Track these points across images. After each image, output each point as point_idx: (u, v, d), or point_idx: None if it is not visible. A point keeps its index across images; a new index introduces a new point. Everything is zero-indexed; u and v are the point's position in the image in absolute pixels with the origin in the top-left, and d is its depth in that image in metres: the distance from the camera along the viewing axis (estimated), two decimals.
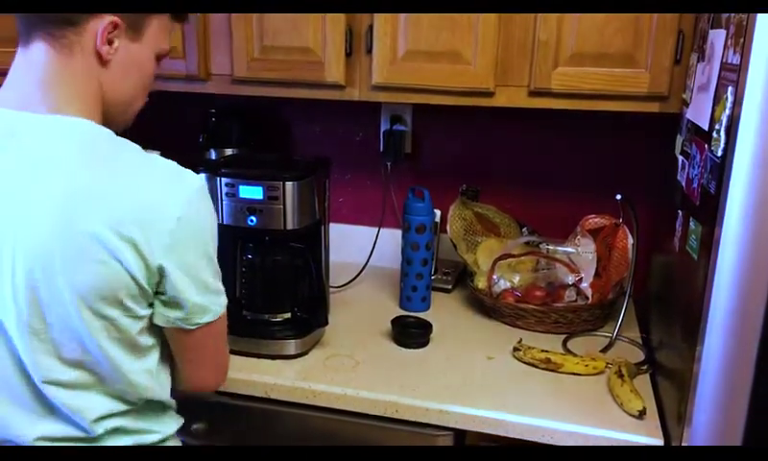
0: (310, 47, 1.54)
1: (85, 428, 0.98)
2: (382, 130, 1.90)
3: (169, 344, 1.04)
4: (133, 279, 0.90)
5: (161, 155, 0.97)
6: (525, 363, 1.43)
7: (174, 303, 0.96)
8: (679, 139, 1.39)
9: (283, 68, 1.57)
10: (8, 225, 0.89)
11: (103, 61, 0.95)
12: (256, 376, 1.35)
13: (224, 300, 1.04)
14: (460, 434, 1.30)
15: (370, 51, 1.52)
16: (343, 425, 1.34)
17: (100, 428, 0.99)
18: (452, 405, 1.27)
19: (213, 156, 1.85)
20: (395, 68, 1.52)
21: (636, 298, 1.76)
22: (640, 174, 1.76)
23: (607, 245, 1.64)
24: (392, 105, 1.87)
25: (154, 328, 1.00)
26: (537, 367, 1.41)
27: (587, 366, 1.39)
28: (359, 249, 1.93)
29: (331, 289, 1.74)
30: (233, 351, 1.40)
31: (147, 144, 1.80)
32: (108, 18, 0.92)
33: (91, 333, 0.92)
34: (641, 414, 1.22)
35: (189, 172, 0.96)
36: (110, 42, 0.94)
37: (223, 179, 1.36)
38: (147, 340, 0.99)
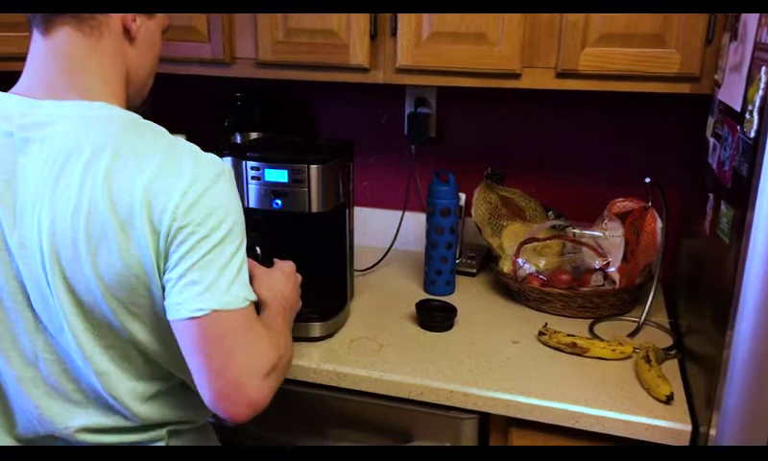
0: (334, 30, 1.53)
1: (126, 415, 1.00)
2: (406, 113, 1.89)
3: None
4: (149, 260, 0.89)
5: (187, 138, 0.97)
6: (551, 347, 1.42)
7: (182, 282, 0.90)
8: (710, 121, 1.36)
9: (307, 51, 1.57)
10: (42, 220, 0.88)
11: (131, 38, 0.97)
12: None
13: (235, 295, 0.92)
14: (484, 417, 1.30)
15: (394, 33, 1.51)
16: (367, 408, 1.34)
17: (140, 411, 1.00)
18: (477, 388, 1.27)
19: (238, 139, 1.86)
20: (419, 51, 1.50)
21: (664, 282, 1.74)
22: (670, 157, 1.73)
23: (635, 229, 1.62)
24: (416, 87, 1.86)
25: None
26: (563, 351, 1.40)
27: (613, 351, 1.37)
28: (383, 232, 1.93)
29: (356, 272, 1.74)
30: None
31: (173, 127, 1.82)
32: None
33: (117, 316, 0.93)
34: (669, 399, 1.21)
35: (211, 154, 0.94)
36: (134, 19, 0.96)
37: (248, 162, 1.36)
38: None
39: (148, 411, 1.01)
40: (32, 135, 0.89)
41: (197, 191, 0.88)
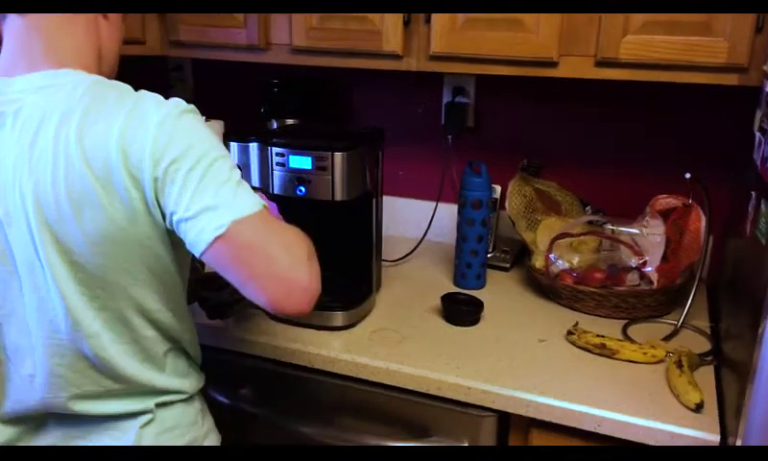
0: (368, 16, 1.51)
1: (115, 377, 1.01)
2: (444, 102, 1.85)
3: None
4: (135, 211, 0.91)
5: (225, 124, 0.95)
6: (579, 347, 1.36)
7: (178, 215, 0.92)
8: (758, 114, 1.28)
9: (340, 37, 1.55)
10: (24, 187, 0.90)
11: (105, 15, 1.01)
12: (300, 345, 1.35)
13: (246, 202, 0.92)
14: (504, 416, 1.26)
15: (428, 20, 1.48)
16: (385, 400, 1.32)
17: (129, 374, 1.01)
18: (495, 386, 1.23)
19: (274, 125, 1.86)
20: (453, 37, 1.46)
21: (709, 285, 1.65)
22: (716, 151, 1.64)
23: (678, 227, 1.54)
24: (454, 76, 1.82)
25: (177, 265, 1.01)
26: (591, 352, 1.34)
27: (645, 354, 1.31)
28: (418, 223, 1.90)
29: (386, 263, 1.72)
30: (282, 320, 1.43)
31: (213, 113, 1.84)
32: None
33: (109, 273, 0.94)
34: (698, 407, 1.14)
35: (176, 98, 0.95)
36: None
37: (273, 148, 1.36)
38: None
39: (138, 374, 1.01)
40: (5, 110, 0.92)
41: (167, 129, 0.89)
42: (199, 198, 0.89)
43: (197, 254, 0.92)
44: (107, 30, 1.02)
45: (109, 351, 0.98)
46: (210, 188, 0.90)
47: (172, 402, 1.07)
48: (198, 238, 0.90)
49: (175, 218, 0.91)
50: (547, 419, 1.20)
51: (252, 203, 0.92)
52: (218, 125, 1.86)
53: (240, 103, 1.92)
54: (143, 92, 0.94)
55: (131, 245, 0.93)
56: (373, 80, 1.90)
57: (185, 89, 2.13)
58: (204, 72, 2.11)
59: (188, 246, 0.92)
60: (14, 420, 1.04)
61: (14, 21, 0.95)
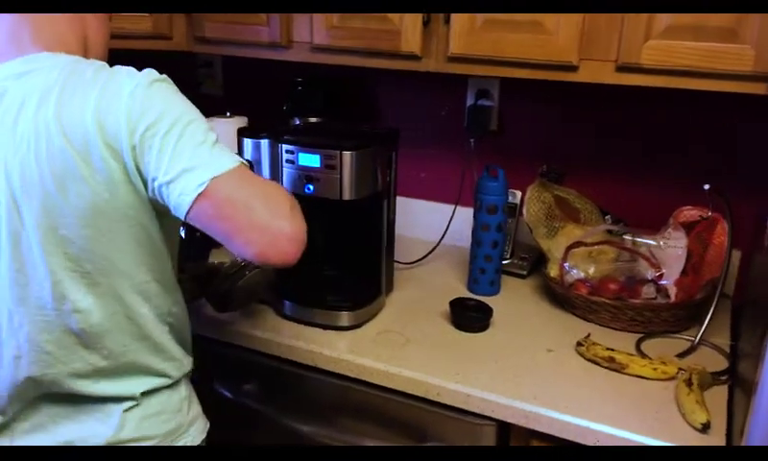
0: (388, 15, 1.50)
1: (102, 354, 1.02)
2: (467, 104, 1.83)
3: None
4: (117, 182, 0.94)
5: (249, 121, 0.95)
6: (588, 360, 1.32)
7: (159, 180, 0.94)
8: None
9: (360, 37, 1.54)
10: (9, 166, 0.93)
11: None
12: (303, 342, 1.35)
13: (223, 159, 0.95)
14: (503, 426, 1.23)
15: (448, 20, 1.46)
16: (385, 403, 1.31)
17: (116, 350, 1.03)
18: (495, 395, 1.20)
19: (297, 123, 1.87)
20: (472, 39, 1.44)
21: (736, 302, 1.59)
22: (744, 163, 1.57)
23: (702, 240, 1.49)
24: (479, 78, 1.79)
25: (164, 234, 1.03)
26: (600, 365, 1.31)
27: (655, 370, 1.27)
28: (438, 226, 1.88)
29: (400, 265, 1.71)
30: (288, 317, 1.43)
31: (238, 109, 1.85)
32: None
33: (96, 246, 0.96)
34: (705, 427, 1.10)
35: (149, 68, 0.98)
36: None
37: (283, 145, 1.36)
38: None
39: (126, 351, 1.03)
40: None
41: (139, 98, 0.92)
42: (177, 160, 0.92)
43: (182, 216, 0.94)
44: (93, 22, 1.06)
45: (97, 327, 1.00)
46: (187, 150, 0.92)
47: (157, 389, 1.08)
48: (180, 200, 0.92)
49: (156, 184, 0.93)
50: (547, 431, 1.17)
51: (229, 160, 0.95)
52: (241, 121, 1.89)
53: (266, 100, 1.94)
54: (117, 67, 0.97)
55: (115, 216, 0.95)
56: (398, 80, 1.89)
57: (215, 85, 2.15)
58: (232, 69, 2.14)
59: (173, 210, 0.95)
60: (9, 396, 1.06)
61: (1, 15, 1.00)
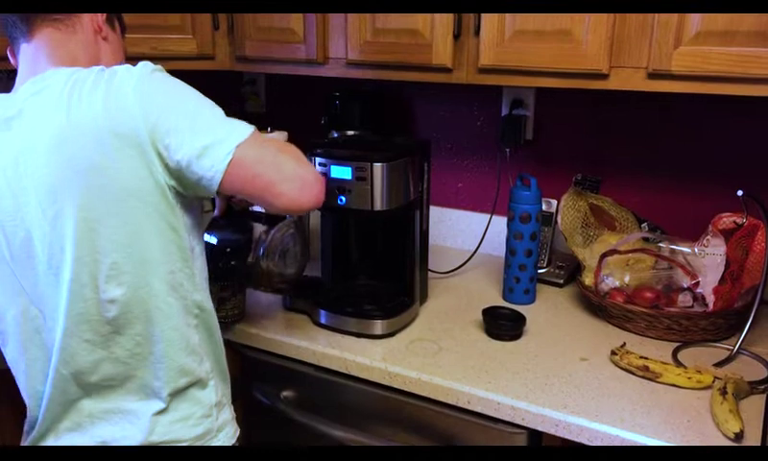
0: (419, 29, 1.53)
1: (130, 351, 1.08)
2: (502, 114, 1.84)
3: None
4: (139, 171, 1.00)
5: (289, 135, 1.17)
6: (622, 368, 1.31)
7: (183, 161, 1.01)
8: None
9: (392, 51, 1.57)
10: (37, 170, 1.00)
11: (103, 37, 1.13)
12: (337, 351, 1.38)
13: (239, 127, 1.04)
14: (535, 435, 1.24)
15: (477, 32, 1.48)
16: (417, 410, 1.33)
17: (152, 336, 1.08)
18: (526, 403, 1.21)
19: (335, 136, 1.91)
20: (501, 49, 1.46)
21: None
22: None
23: (743, 247, 1.46)
24: (514, 88, 1.80)
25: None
26: (634, 374, 1.29)
27: (689, 378, 1.25)
28: (475, 236, 1.89)
29: (436, 275, 1.73)
30: (324, 326, 1.46)
31: (280, 124, 1.91)
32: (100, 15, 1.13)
33: (122, 236, 1.02)
34: (738, 437, 1.08)
35: (144, 61, 1.04)
36: (101, 26, 1.14)
37: (316, 159, 1.40)
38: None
39: (159, 344, 1.07)
40: (12, 114, 1.04)
41: (144, 90, 0.99)
42: (198, 137, 1.00)
43: (215, 186, 1.02)
44: (109, 50, 1.16)
45: (129, 315, 1.05)
46: (204, 127, 1.01)
47: (185, 390, 1.11)
48: (212, 172, 1.01)
49: (184, 163, 1.00)
50: (577, 439, 1.17)
51: (245, 127, 1.05)
52: (282, 135, 1.94)
53: (306, 115, 1.99)
54: (112, 67, 1.03)
55: (138, 204, 1.01)
56: (433, 92, 1.92)
57: (258, 103, 2.22)
58: (275, 86, 2.20)
59: (206, 186, 1.02)
60: (41, 397, 1.11)
61: (24, 49, 1.09)
